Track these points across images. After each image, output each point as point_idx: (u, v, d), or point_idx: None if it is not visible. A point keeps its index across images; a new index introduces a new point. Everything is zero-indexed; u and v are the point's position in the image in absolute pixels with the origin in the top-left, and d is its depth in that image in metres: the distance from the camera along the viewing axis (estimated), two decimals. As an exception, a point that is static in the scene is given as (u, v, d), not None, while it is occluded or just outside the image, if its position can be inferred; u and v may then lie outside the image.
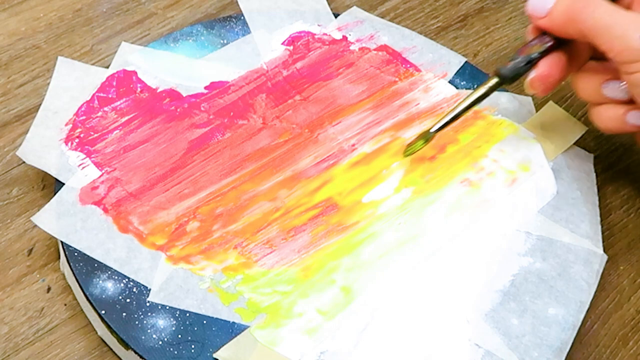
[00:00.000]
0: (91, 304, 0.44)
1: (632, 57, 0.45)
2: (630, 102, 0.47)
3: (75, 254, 0.45)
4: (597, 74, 0.49)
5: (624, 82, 0.47)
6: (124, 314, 0.43)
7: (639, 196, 0.55)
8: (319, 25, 0.58)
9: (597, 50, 0.47)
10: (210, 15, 0.61)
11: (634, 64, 0.45)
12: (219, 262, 0.46)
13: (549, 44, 0.48)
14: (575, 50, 0.49)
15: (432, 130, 0.50)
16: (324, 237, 0.48)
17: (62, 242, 0.46)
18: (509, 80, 0.49)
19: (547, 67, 0.49)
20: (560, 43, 0.49)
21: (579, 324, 0.46)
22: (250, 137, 0.52)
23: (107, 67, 0.54)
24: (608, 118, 0.48)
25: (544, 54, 0.49)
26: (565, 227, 0.49)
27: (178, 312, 0.44)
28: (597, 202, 0.51)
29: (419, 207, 0.50)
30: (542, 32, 0.49)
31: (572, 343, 0.45)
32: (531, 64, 0.49)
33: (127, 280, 0.45)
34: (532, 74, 0.49)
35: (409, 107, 0.55)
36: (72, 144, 0.50)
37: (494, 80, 0.49)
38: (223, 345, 0.43)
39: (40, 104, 0.51)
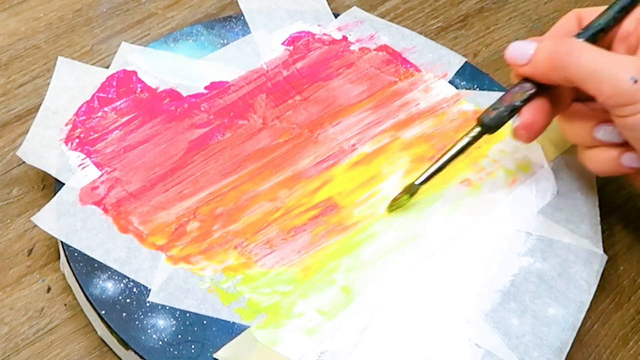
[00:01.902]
0: (91, 304, 0.44)
1: (623, 100, 0.42)
2: (623, 144, 0.45)
3: (75, 254, 0.45)
4: (585, 117, 0.47)
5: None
6: (124, 314, 0.43)
7: (639, 196, 0.55)
8: (319, 25, 0.58)
9: (581, 92, 0.45)
10: (210, 15, 0.61)
11: (626, 107, 0.42)
12: (219, 262, 0.46)
13: (531, 91, 0.46)
14: (559, 93, 0.47)
15: (417, 182, 0.48)
16: (324, 237, 0.48)
17: (62, 242, 0.46)
18: (493, 129, 0.47)
19: (531, 115, 0.46)
20: (543, 88, 0.46)
21: (579, 324, 0.46)
22: (250, 137, 0.52)
23: (107, 67, 0.54)
24: (602, 162, 0.46)
25: (526, 101, 0.46)
26: (565, 227, 0.49)
27: (178, 312, 0.44)
28: (597, 202, 0.51)
29: (419, 207, 0.50)
30: (524, 79, 0.47)
31: (572, 343, 0.45)
32: (514, 111, 0.46)
33: (127, 280, 0.45)
34: (516, 122, 0.47)
35: (409, 107, 0.54)
36: (72, 144, 0.50)
37: (477, 130, 0.47)
38: (223, 345, 0.43)
39: (40, 104, 0.51)
